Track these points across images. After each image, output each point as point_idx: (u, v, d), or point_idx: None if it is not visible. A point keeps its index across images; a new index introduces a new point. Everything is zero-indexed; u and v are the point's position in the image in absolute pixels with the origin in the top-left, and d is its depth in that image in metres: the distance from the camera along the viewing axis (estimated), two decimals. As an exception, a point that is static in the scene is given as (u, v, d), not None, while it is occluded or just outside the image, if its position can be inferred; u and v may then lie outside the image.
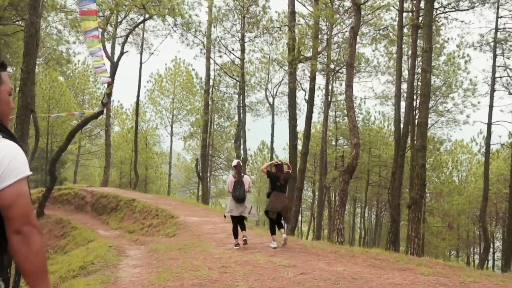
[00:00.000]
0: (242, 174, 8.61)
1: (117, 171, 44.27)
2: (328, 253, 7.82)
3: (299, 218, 43.46)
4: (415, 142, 14.51)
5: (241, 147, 22.48)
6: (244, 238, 8.18)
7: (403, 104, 20.46)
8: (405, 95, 20.14)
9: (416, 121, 17.75)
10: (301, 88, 19.83)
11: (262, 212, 9.26)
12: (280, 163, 8.73)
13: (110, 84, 18.02)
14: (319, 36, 20.71)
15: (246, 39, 23.61)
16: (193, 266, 6.25)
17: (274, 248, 8.16)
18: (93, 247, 9.15)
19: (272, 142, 36.51)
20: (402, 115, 19.26)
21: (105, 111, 30.68)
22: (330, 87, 25.36)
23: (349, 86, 11.92)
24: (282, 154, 44.20)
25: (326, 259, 7.17)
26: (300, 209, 40.46)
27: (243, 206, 8.37)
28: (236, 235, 8.41)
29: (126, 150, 38.09)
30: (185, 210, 14.15)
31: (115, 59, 26.77)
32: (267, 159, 44.22)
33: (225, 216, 8.58)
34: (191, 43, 21.20)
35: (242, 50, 21.33)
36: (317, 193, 35.97)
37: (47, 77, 33.59)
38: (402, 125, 18.56)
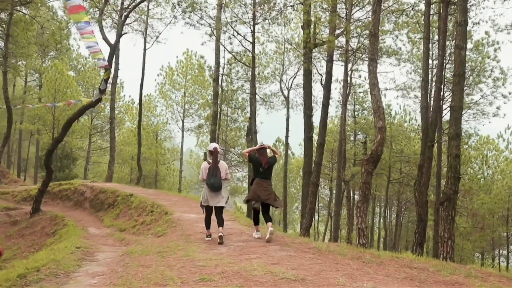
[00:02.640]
0: (219, 159, 7.84)
1: (127, 167, 42.97)
2: (349, 260, 6.03)
3: (316, 217, 41.73)
4: (449, 129, 12.59)
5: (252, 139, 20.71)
6: (220, 235, 7.30)
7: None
8: (424, 81, 17.98)
9: (448, 107, 15.84)
10: (317, 71, 18.01)
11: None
12: (263, 146, 7.97)
13: (108, 69, 16.48)
14: (337, 22, 18.81)
15: (258, 23, 21.87)
16: (163, 277, 4.54)
17: (258, 238, 7.57)
18: (57, 248, 7.51)
19: (287, 136, 34.68)
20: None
21: (110, 104, 29.28)
22: (348, 79, 23.38)
23: (373, 59, 10.09)
24: (298, 150, 42.41)
25: (347, 268, 5.37)
26: (317, 207, 38.64)
27: (219, 196, 7.67)
28: (208, 225, 7.80)
29: (135, 145, 36.59)
30: (184, 206, 12.47)
31: (118, 45, 25.31)
32: (282, 156, 42.53)
33: (202, 207, 7.84)
34: (196, 24, 19.51)
35: (253, 31, 19.54)
36: (334, 191, 34.09)
37: (53, 69, 32.35)
38: (430, 113, 16.65)
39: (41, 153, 42.29)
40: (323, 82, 16.70)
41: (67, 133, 34.46)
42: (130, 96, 49.22)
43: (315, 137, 23.87)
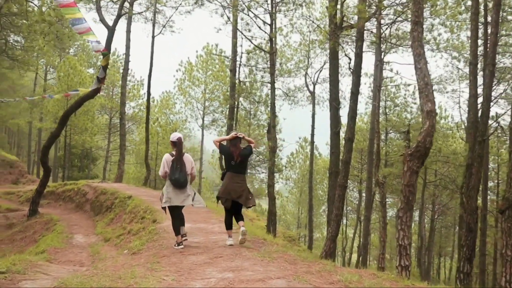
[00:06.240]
0: (184, 152, 6.89)
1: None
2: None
3: (344, 221, 39.07)
4: None
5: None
6: (183, 240, 6.65)
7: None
8: (472, 65, 15.22)
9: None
10: (345, 54, 15.57)
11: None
12: (236, 136, 6.86)
13: (105, 53, 14.49)
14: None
15: (280, 9, 19.57)
16: None
17: (230, 245, 6.54)
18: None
19: (312, 135, 32.38)
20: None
21: (120, 98, 27.42)
22: (379, 74, 20.77)
23: (417, 23, 7.69)
24: (325, 149, 39.94)
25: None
26: (345, 210, 35.99)
27: (184, 193, 6.70)
28: (177, 231, 6.70)
29: (152, 143, 34.86)
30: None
31: (127, 35, 23.51)
32: (308, 155, 40.19)
33: (164, 209, 6.85)
34: (206, 3, 17.36)
35: (272, 11, 17.22)
36: (364, 194, 31.55)
37: (65, 63, 30.92)
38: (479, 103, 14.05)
39: (59, 152, 41.18)
40: (351, 67, 14.29)
41: (81, 131, 33.33)
42: (151, 94, 47.54)
43: (343, 135, 21.50)
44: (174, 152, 6.78)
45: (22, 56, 25.81)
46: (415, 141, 7.69)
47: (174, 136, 6.89)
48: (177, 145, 6.78)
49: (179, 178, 6.52)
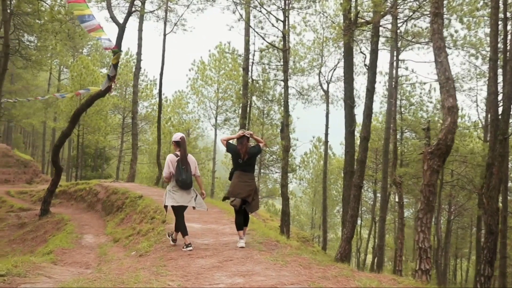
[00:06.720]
0: (187, 153, 6.69)
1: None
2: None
3: (358, 221, 38.54)
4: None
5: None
6: (190, 248, 6.22)
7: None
8: (492, 61, 14.70)
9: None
10: (360, 50, 15.24)
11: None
12: (243, 134, 6.61)
13: (116, 51, 14.30)
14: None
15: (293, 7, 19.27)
16: None
17: (242, 247, 6.25)
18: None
19: (326, 134, 31.90)
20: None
21: (132, 97, 27.31)
22: (395, 71, 20.27)
23: (437, 14, 7.32)
24: (339, 149, 39.50)
25: None
26: (360, 211, 35.51)
27: (190, 194, 6.57)
28: (185, 232, 6.48)
29: (164, 143, 34.75)
30: (191, 212, 10.06)
31: (139, 34, 23.38)
32: (322, 155, 39.75)
33: (166, 207, 6.71)
34: (217, -1, 17.15)
35: (284, 8, 16.91)
36: (379, 194, 31.07)
37: (78, 63, 30.97)
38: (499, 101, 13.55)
39: (73, 152, 41.36)
40: (366, 63, 13.91)
41: (94, 130, 33.35)
42: (164, 94, 47.55)
43: (357, 135, 21.09)
44: (177, 153, 6.59)
45: (36, 56, 25.92)
46: (434, 139, 7.32)
47: (177, 136, 6.71)
48: (181, 144, 6.59)
49: (186, 179, 6.37)
